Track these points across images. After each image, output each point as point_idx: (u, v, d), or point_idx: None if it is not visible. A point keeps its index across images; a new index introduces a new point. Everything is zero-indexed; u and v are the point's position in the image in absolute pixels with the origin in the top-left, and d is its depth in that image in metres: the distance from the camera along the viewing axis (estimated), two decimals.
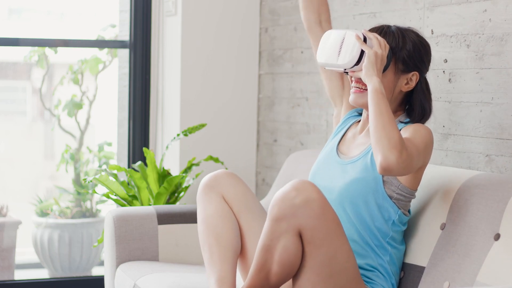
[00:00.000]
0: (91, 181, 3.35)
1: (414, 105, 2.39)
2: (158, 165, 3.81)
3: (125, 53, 4.23)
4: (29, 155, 5.35)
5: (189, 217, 3.05)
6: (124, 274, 2.86)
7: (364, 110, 2.46)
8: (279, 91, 3.80)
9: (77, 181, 4.85)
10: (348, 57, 2.31)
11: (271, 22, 3.86)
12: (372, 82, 2.25)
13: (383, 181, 2.31)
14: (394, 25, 2.41)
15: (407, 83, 2.38)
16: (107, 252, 3.02)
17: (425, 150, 2.26)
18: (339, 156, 2.43)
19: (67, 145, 4.87)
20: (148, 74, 4.01)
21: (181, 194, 3.55)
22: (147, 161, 3.48)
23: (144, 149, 3.50)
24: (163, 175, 3.53)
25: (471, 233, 2.23)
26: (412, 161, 2.19)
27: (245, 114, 3.94)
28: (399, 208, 2.33)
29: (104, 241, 3.06)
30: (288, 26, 3.71)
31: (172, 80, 3.91)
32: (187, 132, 3.53)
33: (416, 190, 2.35)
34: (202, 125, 3.55)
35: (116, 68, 4.72)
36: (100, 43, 4.82)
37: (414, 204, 2.48)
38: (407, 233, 2.45)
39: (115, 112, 4.55)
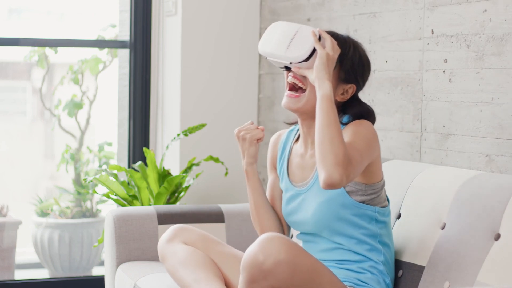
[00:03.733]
0: (91, 181, 3.35)
1: (350, 114, 2.32)
2: (158, 165, 3.82)
3: (125, 53, 4.23)
4: (29, 155, 5.36)
5: (189, 217, 3.05)
6: (124, 274, 2.86)
7: (301, 123, 2.37)
8: (279, 91, 3.80)
9: (77, 181, 4.85)
10: (298, 51, 2.23)
11: (271, 22, 3.86)
12: (324, 87, 2.17)
13: (348, 192, 2.28)
14: (346, 34, 2.35)
15: (342, 94, 2.32)
16: (107, 252, 3.02)
17: (369, 149, 2.22)
18: (295, 186, 2.39)
19: (67, 145, 4.87)
20: (148, 74, 4.01)
21: (181, 194, 3.55)
22: (147, 161, 3.49)
23: (144, 149, 3.51)
24: (163, 175, 3.53)
25: (471, 233, 2.23)
26: (357, 169, 2.16)
27: (245, 114, 3.94)
28: (375, 205, 2.31)
29: (104, 241, 3.06)
30: None
31: (172, 80, 3.91)
32: (187, 132, 3.53)
33: (382, 178, 2.32)
34: (202, 125, 3.55)
35: (116, 68, 4.72)
36: (100, 43, 4.82)
37: (414, 204, 2.48)
38: (407, 233, 2.45)
39: (115, 112, 4.55)
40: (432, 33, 2.81)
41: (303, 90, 2.29)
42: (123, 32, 4.39)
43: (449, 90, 2.74)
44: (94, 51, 4.91)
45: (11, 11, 5.39)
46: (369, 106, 2.36)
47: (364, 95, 3.16)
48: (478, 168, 2.63)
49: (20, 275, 4.73)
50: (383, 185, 2.34)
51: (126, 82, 4.13)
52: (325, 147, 2.12)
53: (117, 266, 2.96)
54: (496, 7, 2.54)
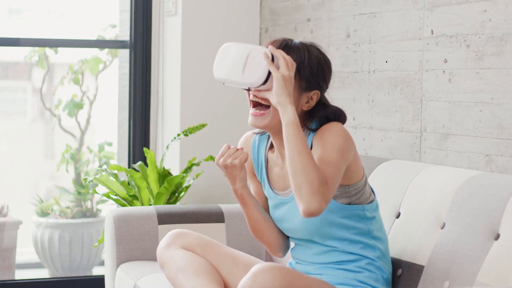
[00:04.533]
0: (91, 181, 3.35)
1: (317, 119, 2.28)
2: (158, 165, 3.82)
3: (125, 53, 4.23)
4: (29, 155, 5.36)
5: (189, 217, 3.05)
6: (125, 274, 2.87)
7: (272, 137, 2.32)
8: None
9: (77, 181, 4.86)
10: (254, 76, 2.17)
11: (271, 22, 3.86)
12: (287, 113, 2.12)
13: (333, 197, 2.25)
14: (298, 40, 2.29)
15: (307, 102, 2.26)
16: (108, 252, 3.02)
17: (343, 157, 2.18)
18: (278, 194, 2.37)
19: (67, 145, 4.88)
20: (148, 74, 4.01)
21: (182, 194, 3.55)
22: (148, 161, 3.49)
23: (145, 149, 3.51)
24: (164, 175, 3.53)
25: (471, 233, 2.23)
26: (334, 187, 2.14)
27: (245, 114, 3.94)
28: (362, 204, 2.30)
29: (105, 241, 3.06)
30: (288, 26, 3.71)
31: (172, 80, 3.91)
32: (187, 132, 3.53)
33: (363, 175, 2.30)
34: (202, 125, 3.56)
35: (116, 68, 4.72)
36: (100, 43, 4.83)
37: (414, 204, 2.48)
38: (407, 233, 2.45)
39: (116, 112, 4.55)
40: (432, 33, 2.82)
41: (268, 106, 2.25)
42: (123, 32, 4.39)
43: (449, 90, 2.75)
44: (94, 51, 4.92)
45: (11, 11, 5.39)
46: (335, 107, 2.31)
47: (364, 95, 3.17)
48: (478, 168, 2.63)
49: (20, 275, 4.73)
50: (366, 180, 2.32)
51: (126, 82, 4.13)
52: (299, 177, 2.09)
53: (117, 266, 2.97)
54: (496, 7, 2.54)
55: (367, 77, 3.16)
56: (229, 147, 2.28)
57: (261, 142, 2.43)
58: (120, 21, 4.55)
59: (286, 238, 2.46)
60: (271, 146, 2.41)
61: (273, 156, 2.39)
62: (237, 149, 2.28)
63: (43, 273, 4.77)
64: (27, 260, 4.93)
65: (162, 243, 2.50)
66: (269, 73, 2.16)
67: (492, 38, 2.55)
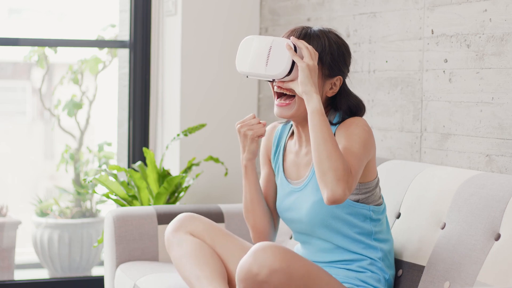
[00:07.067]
0: (91, 181, 3.35)
1: (340, 108, 2.31)
2: (158, 165, 3.81)
3: (125, 53, 4.23)
4: (29, 155, 5.36)
5: None
6: (124, 274, 2.86)
7: (294, 124, 2.36)
8: None
9: (77, 181, 4.85)
10: (279, 68, 2.20)
11: (271, 22, 3.86)
12: (312, 102, 2.16)
13: None
14: (316, 27, 2.31)
15: (331, 88, 2.30)
16: (107, 252, 3.02)
17: (365, 151, 2.21)
18: (290, 183, 2.38)
19: (67, 145, 4.87)
20: (148, 74, 4.01)
21: (181, 194, 3.55)
22: (147, 161, 3.48)
23: (144, 149, 3.50)
24: (163, 175, 3.53)
25: (471, 233, 2.23)
26: (357, 177, 2.16)
27: (245, 114, 3.94)
28: (369, 204, 2.31)
29: (104, 241, 3.06)
30: (288, 26, 3.71)
31: (172, 80, 3.91)
32: (187, 132, 3.53)
33: (376, 176, 2.32)
34: (202, 125, 3.55)
35: (116, 68, 4.72)
36: (100, 43, 4.82)
37: (414, 204, 2.48)
38: (407, 233, 2.45)
39: (115, 112, 4.55)
40: (432, 33, 2.81)
41: (292, 96, 2.28)
42: (123, 32, 4.39)
43: (449, 90, 2.74)
44: (94, 51, 4.91)
45: (11, 11, 5.39)
46: (356, 97, 2.34)
47: (364, 95, 3.17)
48: (478, 168, 2.62)
49: (20, 275, 4.73)
50: (378, 182, 2.33)
51: (126, 82, 4.12)
52: (324, 164, 2.12)
53: (117, 266, 2.96)
54: (496, 7, 2.54)
55: (367, 77, 3.15)
56: (254, 117, 2.34)
57: (284, 131, 2.47)
58: (119, 21, 4.55)
59: (274, 229, 2.48)
60: (292, 134, 2.43)
61: (291, 143, 2.42)
62: (259, 122, 2.33)
63: (42, 274, 4.76)
64: (27, 261, 4.93)
65: (171, 226, 2.51)
66: (293, 64, 2.19)
67: (493, 38, 2.55)
